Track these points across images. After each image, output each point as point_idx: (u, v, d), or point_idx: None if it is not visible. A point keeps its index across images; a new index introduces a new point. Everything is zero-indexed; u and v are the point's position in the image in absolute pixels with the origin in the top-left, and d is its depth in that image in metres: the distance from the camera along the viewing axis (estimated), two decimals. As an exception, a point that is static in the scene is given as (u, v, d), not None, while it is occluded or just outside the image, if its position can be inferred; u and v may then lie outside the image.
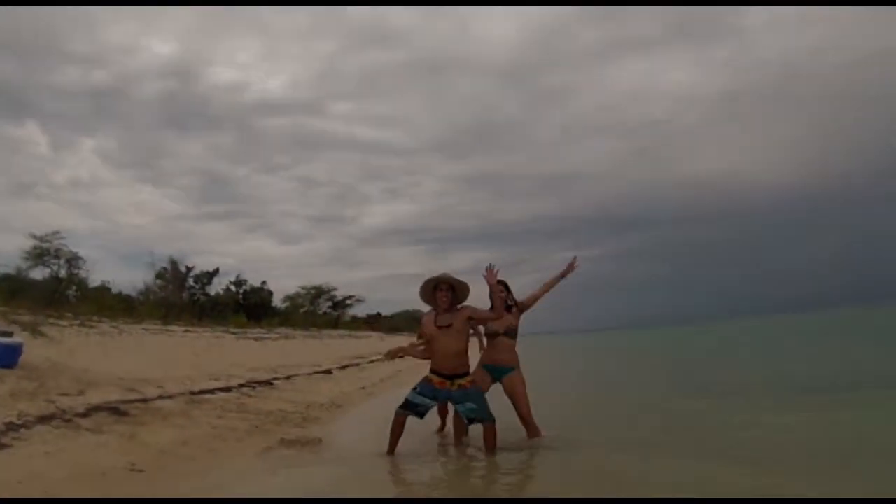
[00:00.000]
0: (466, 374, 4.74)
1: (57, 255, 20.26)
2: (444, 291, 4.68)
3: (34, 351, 7.74)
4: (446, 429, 5.70)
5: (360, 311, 51.05)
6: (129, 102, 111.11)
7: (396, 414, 4.72)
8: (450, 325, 4.65)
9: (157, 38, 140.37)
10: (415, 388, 4.77)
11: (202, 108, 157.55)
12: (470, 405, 4.61)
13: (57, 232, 20.85)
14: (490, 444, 4.60)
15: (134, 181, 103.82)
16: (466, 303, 4.82)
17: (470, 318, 4.76)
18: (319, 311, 44.18)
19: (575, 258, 4.79)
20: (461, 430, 5.11)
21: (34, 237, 20.24)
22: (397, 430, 4.72)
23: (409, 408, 4.70)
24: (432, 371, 4.76)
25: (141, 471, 3.87)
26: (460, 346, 4.70)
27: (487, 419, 4.61)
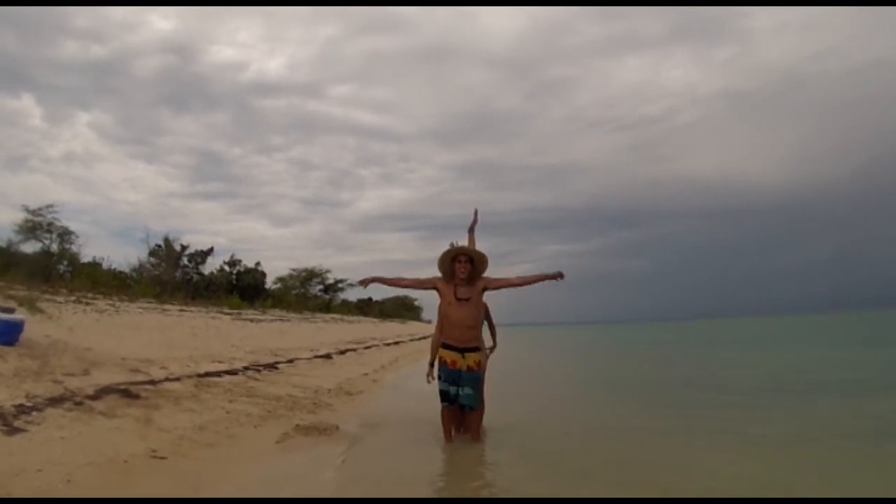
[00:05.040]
0: (477, 348, 4.78)
1: (49, 228, 19.77)
2: (463, 263, 4.66)
3: (33, 327, 7.49)
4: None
5: (351, 295, 50.72)
6: (127, 78, 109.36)
7: (442, 407, 4.79)
8: (468, 299, 4.68)
9: (158, 13, 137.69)
10: (439, 377, 4.79)
11: (200, 86, 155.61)
12: (468, 391, 4.67)
13: (51, 205, 20.27)
14: (475, 430, 4.76)
15: (128, 157, 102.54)
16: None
17: (485, 289, 4.76)
18: (311, 294, 43.82)
19: (562, 274, 4.64)
20: (452, 422, 5.07)
21: (27, 210, 19.73)
22: (446, 419, 4.81)
23: (445, 399, 4.74)
24: (444, 344, 4.77)
25: (163, 458, 3.70)
26: (475, 320, 4.77)
27: (476, 406, 4.72)
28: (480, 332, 4.92)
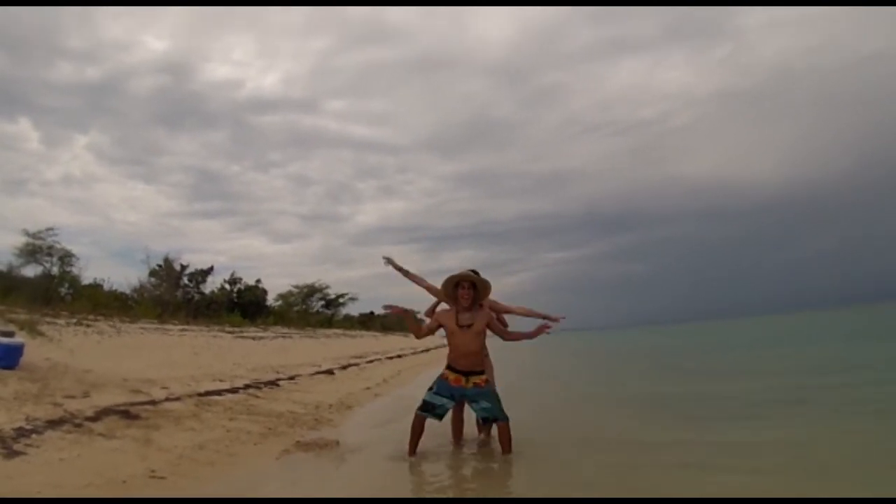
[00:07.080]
0: (482, 372, 4.76)
1: (50, 252, 19.87)
2: (466, 289, 4.64)
3: (33, 351, 7.51)
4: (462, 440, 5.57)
5: (353, 309, 50.69)
6: (122, 98, 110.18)
7: (416, 415, 4.71)
8: (470, 326, 4.66)
9: (152, 33, 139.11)
10: (431, 388, 4.76)
11: (196, 105, 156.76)
12: (485, 404, 4.63)
13: (51, 228, 20.41)
14: (505, 443, 4.60)
15: (126, 178, 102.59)
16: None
17: (488, 326, 4.75)
18: (312, 310, 43.80)
19: (558, 319, 4.92)
20: (459, 431, 5.23)
21: (27, 234, 19.83)
22: (417, 430, 4.72)
23: (428, 409, 4.68)
24: (448, 367, 4.75)
25: (162, 477, 3.70)
26: (478, 346, 4.73)
27: (501, 418, 4.63)
28: (482, 357, 4.87)
